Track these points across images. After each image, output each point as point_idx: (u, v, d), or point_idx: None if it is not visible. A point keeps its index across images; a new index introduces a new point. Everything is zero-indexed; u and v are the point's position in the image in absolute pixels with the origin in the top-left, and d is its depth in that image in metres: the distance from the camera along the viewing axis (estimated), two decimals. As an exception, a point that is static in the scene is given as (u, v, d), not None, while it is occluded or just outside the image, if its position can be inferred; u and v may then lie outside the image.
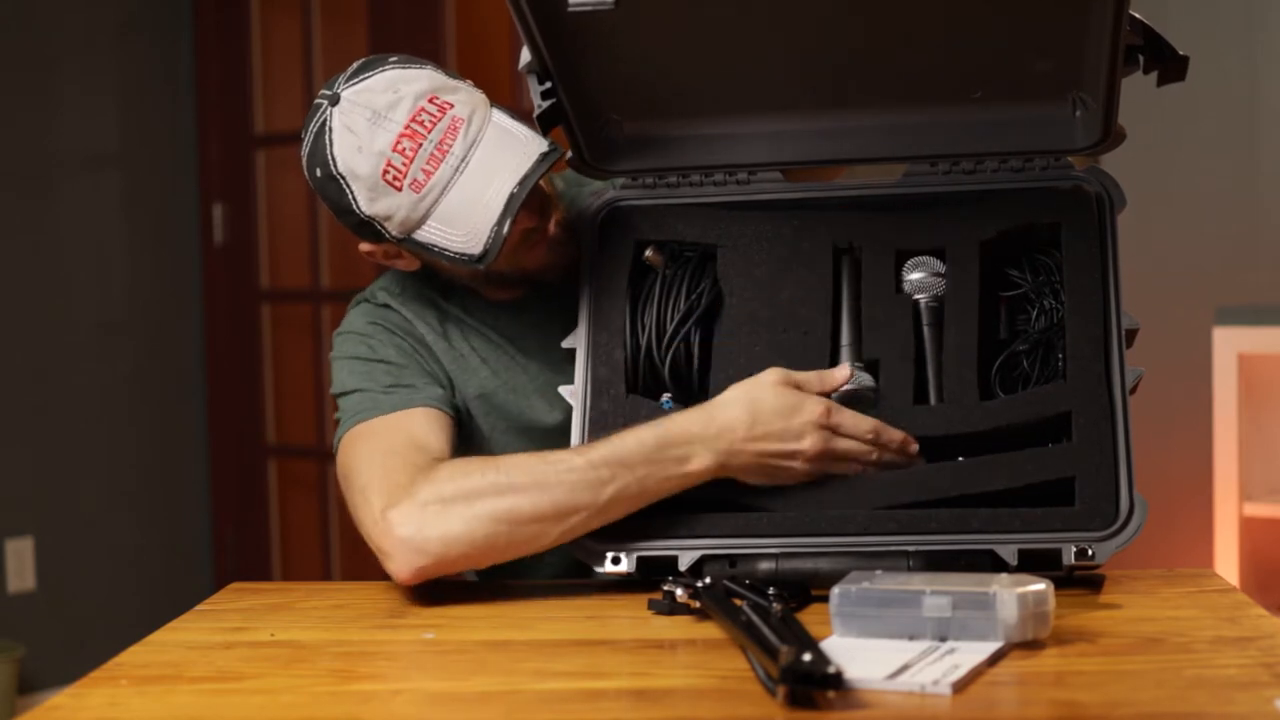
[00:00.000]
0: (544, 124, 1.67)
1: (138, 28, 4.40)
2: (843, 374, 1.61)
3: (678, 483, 1.56)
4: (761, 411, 1.56)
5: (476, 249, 1.63)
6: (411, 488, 1.56)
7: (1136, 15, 1.52)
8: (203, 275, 4.57)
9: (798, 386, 1.58)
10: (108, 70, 4.33)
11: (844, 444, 1.57)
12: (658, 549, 1.58)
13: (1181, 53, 1.57)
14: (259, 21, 4.51)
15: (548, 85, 1.65)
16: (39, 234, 4.16)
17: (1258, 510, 3.17)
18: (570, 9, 1.54)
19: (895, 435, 1.58)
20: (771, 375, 1.58)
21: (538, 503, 1.54)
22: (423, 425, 1.67)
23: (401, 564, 1.55)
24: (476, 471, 1.57)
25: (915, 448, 1.58)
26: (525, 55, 1.63)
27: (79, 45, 4.25)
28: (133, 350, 4.39)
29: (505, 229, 1.61)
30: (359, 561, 4.43)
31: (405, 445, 1.63)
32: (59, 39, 4.20)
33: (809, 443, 1.56)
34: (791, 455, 1.56)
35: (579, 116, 1.70)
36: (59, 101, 4.21)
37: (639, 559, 1.58)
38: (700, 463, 1.55)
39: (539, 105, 1.66)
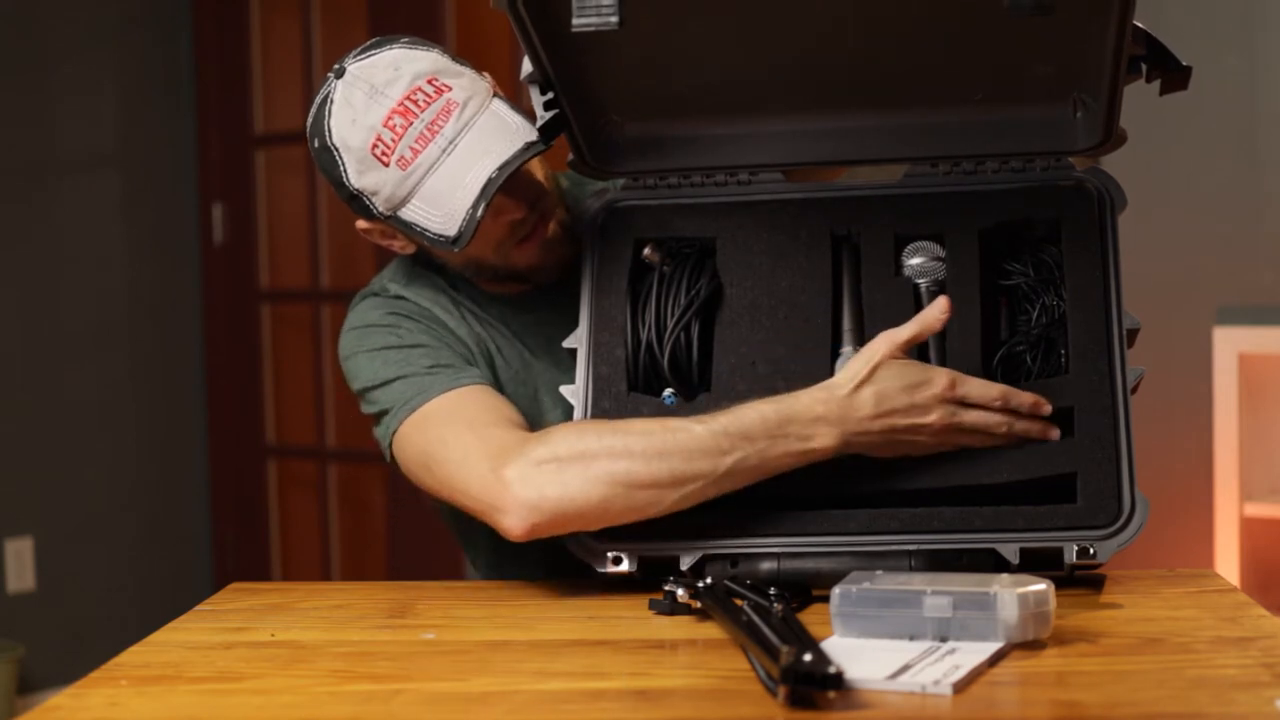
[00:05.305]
0: (547, 134, 1.66)
1: (138, 28, 4.40)
2: (940, 307, 1.56)
3: (798, 459, 1.54)
4: (887, 390, 1.53)
5: (452, 231, 1.63)
6: (523, 448, 1.55)
7: (1140, 25, 1.51)
8: (202, 275, 4.56)
9: (906, 343, 1.55)
10: (108, 70, 4.33)
11: (972, 415, 1.54)
12: (659, 549, 1.58)
13: (1185, 63, 1.57)
14: (259, 21, 4.51)
15: (550, 96, 1.65)
16: (38, 234, 4.16)
17: (1258, 510, 3.16)
18: (574, 31, 1.52)
19: (1025, 399, 1.55)
20: (885, 346, 1.55)
21: (655, 469, 1.53)
22: (486, 398, 1.65)
23: (516, 520, 1.53)
24: (593, 433, 1.55)
25: (1048, 409, 1.55)
26: (527, 65, 1.63)
27: (79, 45, 4.24)
28: (133, 350, 4.39)
29: (480, 212, 1.61)
30: (359, 561, 4.44)
31: (487, 415, 1.61)
32: (58, 39, 4.19)
33: (936, 416, 1.53)
34: (918, 430, 1.54)
35: (580, 118, 1.69)
36: (58, 101, 4.21)
37: (640, 559, 1.58)
38: (824, 441, 1.53)
39: (542, 116, 1.65)
